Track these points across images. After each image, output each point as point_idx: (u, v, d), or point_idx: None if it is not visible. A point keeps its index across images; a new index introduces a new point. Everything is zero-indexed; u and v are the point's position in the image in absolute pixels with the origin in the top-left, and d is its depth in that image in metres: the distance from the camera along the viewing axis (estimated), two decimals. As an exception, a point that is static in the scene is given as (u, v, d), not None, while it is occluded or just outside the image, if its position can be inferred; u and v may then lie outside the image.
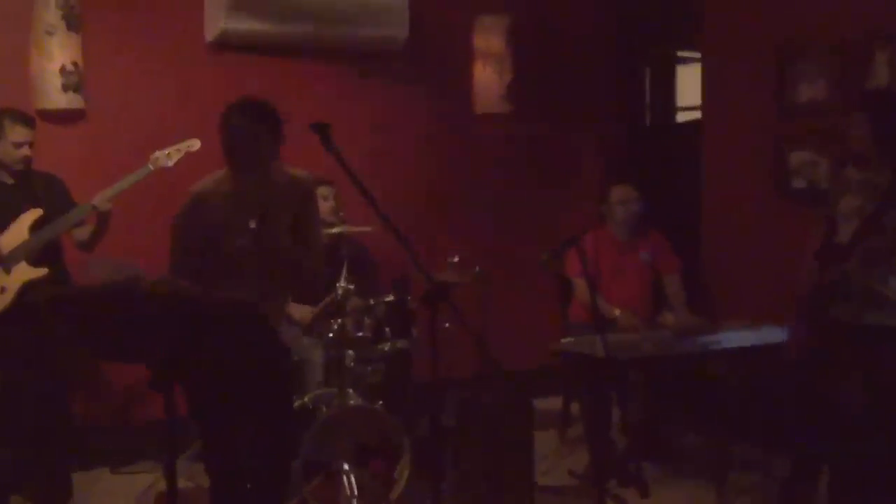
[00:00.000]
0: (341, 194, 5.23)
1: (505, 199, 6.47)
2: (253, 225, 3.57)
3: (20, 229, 4.49)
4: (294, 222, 3.67)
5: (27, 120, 4.57)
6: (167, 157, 4.55)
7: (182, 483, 3.61)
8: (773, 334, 4.53)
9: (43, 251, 4.50)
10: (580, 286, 5.19)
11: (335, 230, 4.85)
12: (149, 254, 3.86)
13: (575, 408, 5.41)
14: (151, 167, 4.55)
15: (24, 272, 4.45)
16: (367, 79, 6.03)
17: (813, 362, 4.04)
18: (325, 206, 5.18)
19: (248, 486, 3.59)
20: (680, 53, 7.05)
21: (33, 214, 4.53)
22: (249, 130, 3.50)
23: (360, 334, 4.75)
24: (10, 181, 4.55)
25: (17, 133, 4.49)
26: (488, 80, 6.35)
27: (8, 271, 4.44)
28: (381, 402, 4.54)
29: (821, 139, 5.21)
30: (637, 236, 5.35)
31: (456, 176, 6.34)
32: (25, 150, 4.53)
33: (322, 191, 5.25)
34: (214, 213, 3.61)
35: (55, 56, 5.10)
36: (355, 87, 5.99)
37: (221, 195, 3.63)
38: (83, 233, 4.65)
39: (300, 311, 4.90)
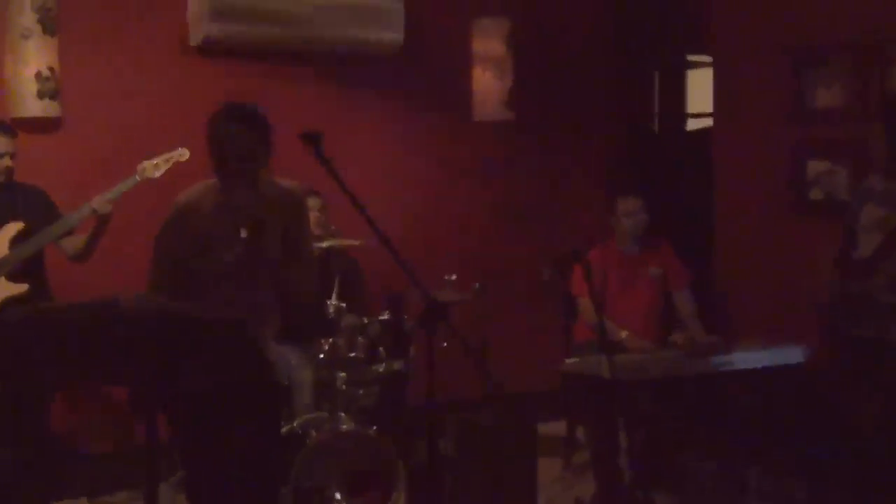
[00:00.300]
0: (329, 206, 5.23)
1: (506, 211, 6.47)
2: (244, 234, 3.57)
3: (0, 243, 4.49)
4: (284, 235, 3.67)
5: (8, 130, 4.56)
6: (154, 167, 4.55)
7: (164, 513, 3.58)
8: (790, 354, 4.52)
9: (24, 266, 4.49)
10: (585, 305, 5.18)
11: (325, 244, 4.84)
12: (135, 270, 3.86)
13: (580, 433, 5.39)
14: (138, 178, 4.55)
15: (4, 288, 4.44)
16: (360, 85, 6.03)
17: (833, 381, 4.03)
18: (312, 217, 5.17)
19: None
20: (690, 58, 7.07)
21: (14, 228, 4.52)
22: (241, 136, 3.50)
23: (353, 354, 4.73)
24: None
25: None
26: (488, 87, 6.35)
27: (-14, 287, 4.44)
28: (374, 427, 4.52)
29: (839, 147, 5.22)
30: (646, 250, 5.35)
31: (454, 187, 6.34)
32: (7, 161, 4.52)
33: (309, 202, 5.24)
34: (201, 224, 3.60)
35: (30, 61, 5.09)
36: (348, 94, 6.00)
37: (209, 206, 3.63)
38: (75, 243, 4.62)
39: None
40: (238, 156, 3.51)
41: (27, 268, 4.50)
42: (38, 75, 5.10)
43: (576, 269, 4.62)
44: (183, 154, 4.55)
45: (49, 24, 5.13)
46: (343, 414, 4.55)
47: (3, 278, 4.45)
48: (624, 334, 5.08)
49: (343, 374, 4.65)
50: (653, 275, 5.33)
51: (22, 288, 4.46)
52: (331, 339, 4.60)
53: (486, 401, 4.88)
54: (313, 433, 4.46)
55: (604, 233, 5.45)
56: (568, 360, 4.74)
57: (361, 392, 4.78)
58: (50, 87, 5.13)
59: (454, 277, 4.96)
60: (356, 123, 6.00)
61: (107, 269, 4.91)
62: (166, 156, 4.57)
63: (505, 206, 6.48)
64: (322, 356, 4.64)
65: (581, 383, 4.59)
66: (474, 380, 4.70)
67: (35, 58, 5.09)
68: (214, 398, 3.26)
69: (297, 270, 3.69)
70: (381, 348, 4.85)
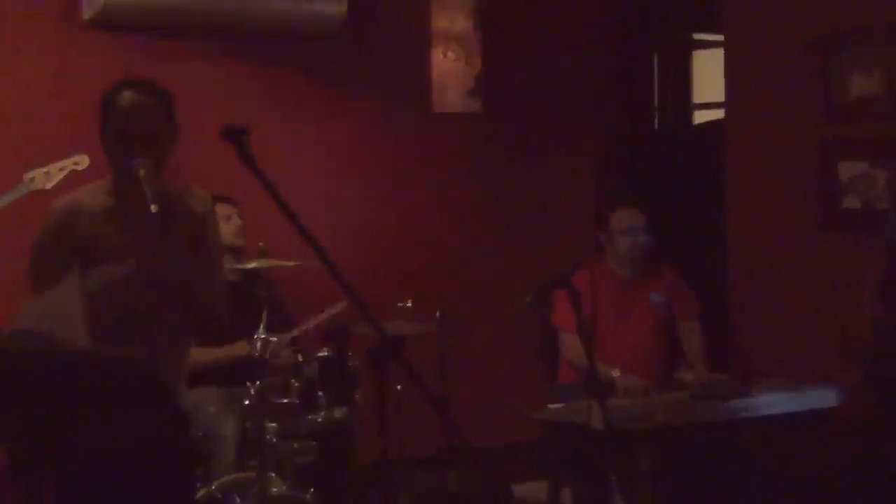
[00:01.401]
0: (251, 220, 5.23)
1: (473, 224, 6.46)
2: (143, 243, 3.53)
3: None
4: (193, 247, 3.65)
5: None
6: (46, 177, 4.52)
7: None
8: (820, 397, 4.54)
9: None
10: (569, 341, 5.17)
11: (251, 264, 4.81)
12: (20, 300, 3.81)
13: (566, 495, 5.38)
14: (25, 190, 4.51)
15: None
16: (293, 69, 6.02)
17: (873, 430, 4.05)
18: (227, 227, 5.16)
19: None
20: (696, 36, 7.12)
21: None
22: (144, 111, 3.50)
23: (286, 401, 4.70)
24: None
25: None
26: (450, 71, 6.37)
27: None
28: (312, 490, 4.49)
29: (878, 145, 5.26)
30: (645, 273, 5.36)
31: (409, 194, 6.33)
32: None
33: (222, 209, 5.22)
34: (87, 233, 3.57)
35: None
36: (278, 79, 5.98)
37: (97, 210, 3.59)
38: None
39: (235, 348, 4.90)
40: (141, 135, 3.50)
41: None
42: None
43: (558, 295, 4.61)
44: (81, 161, 4.52)
45: None
46: (273, 474, 4.51)
47: None
48: (616, 373, 5.08)
49: (274, 425, 4.61)
50: (653, 302, 5.34)
51: None
52: (258, 382, 4.57)
53: (451, 457, 4.87)
54: (237, 499, 4.42)
55: (593, 251, 5.46)
56: (550, 406, 4.73)
57: (296, 446, 4.74)
58: None
59: (409, 304, 4.95)
60: (288, 115, 5.98)
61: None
62: (61, 163, 4.53)
63: (472, 217, 6.48)
64: (248, 402, 4.60)
65: (566, 434, 4.59)
66: (435, 431, 4.68)
67: None
68: (113, 459, 3.22)
69: (211, 291, 3.66)
70: (320, 392, 4.82)
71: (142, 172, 3.42)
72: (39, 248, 3.63)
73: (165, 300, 3.61)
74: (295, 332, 4.89)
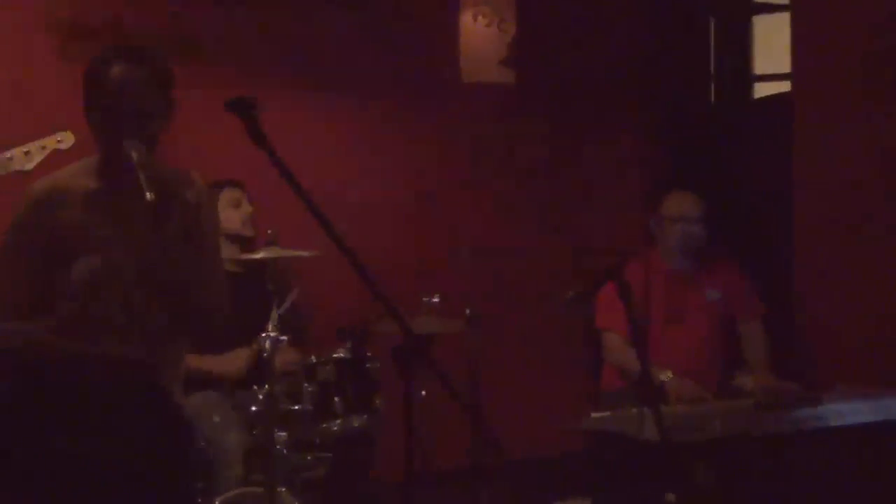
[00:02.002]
0: (261, 205, 5.26)
1: (507, 209, 6.45)
2: (133, 230, 3.52)
3: None
4: (187, 235, 3.64)
5: None
6: (26, 156, 4.53)
7: None
8: (901, 406, 4.52)
9: None
10: (613, 341, 5.20)
11: (260, 254, 4.82)
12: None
13: (612, 514, 5.39)
14: (3, 171, 4.52)
15: None
16: (304, 36, 6.02)
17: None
18: (235, 215, 5.21)
19: None
20: (758, -1, 7.10)
21: None
22: (137, 83, 3.49)
23: (298, 407, 4.73)
24: None
25: None
26: (481, 38, 6.35)
27: None
28: (327, 508, 4.51)
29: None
30: (701, 267, 5.36)
31: (435, 175, 6.33)
32: None
33: (230, 194, 5.23)
34: (69, 220, 3.56)
35: None
36: (289, 48, 5.99)
37: (80, 194, 3.59)
38: None
39: (226, 362, 4.90)
40: (133, 113, 3.49)
41: None
42: None
43: (605, 290, 4.59)
44: (64, 139, 4.53)
45: None
46: (283, 489, 4.51)
47: None
48: (668, 377, 5.07)
49: (284, 435, 4.62)
50: (709, 299, 5.34)
51: None
52: (267, 386, 4.57)
53: (483, 472, 4.87)
54: (243, 517, 4.45)
55: (641, 241, 5.44)
56: (594, 415, 4.72)
57: (309, 458, 4.77)
58: None
59: (436, 299, 4.95)
60: (301, 86, 5.99)
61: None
62: (43, 141, 4.54)
63: (505, 202, 6.46)
64: (255, 409, 4.61)
65: (612, 446, 4.59)
66: (466, 442, 4.68)
67: None
68: (105, 471, 3.22)
69: (207, 287, 3.66)
70: (336, 398, 4.84)
71: (134, 156, 3.41)
72: (13, 233, 3.62)
73: (157, 297, 3.61)
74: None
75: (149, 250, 3.56)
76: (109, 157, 3.57)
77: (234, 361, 4.96)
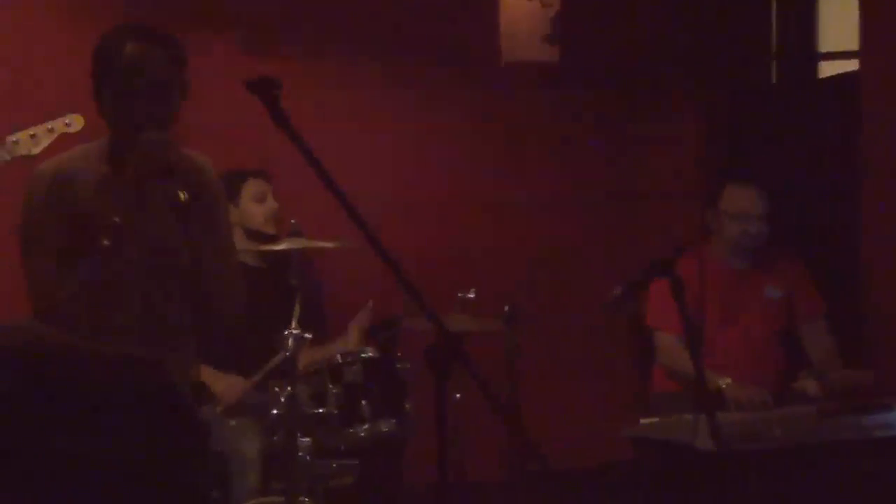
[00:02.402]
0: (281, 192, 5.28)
1: (549, 198, 6.44)
2: (148, 220, 3.54)
3: None
4: (199, 229, 3.65)
5: None
6: (33, 140, 4.55)
7: None
8: None
9: None
10: (666, 342, 5.20)
11: (282, 245, 4.83)
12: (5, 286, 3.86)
13: (662, 529, 5.38)
14: (8, 156, 4.55)
15: None
16: (329, 12, 6.02)
17: None
18: (258, 210, 5.24)
19: None
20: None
21: None
22: (153, 63, 3.50)
23: (322, 410, 4.73)
24: None
25: None
26: (522, 13, 6.33)
27: None
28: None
29: None
30: (761, 262, 5.35)
31: (472, 160, 6.33)
32: None
33: (254, 186, 5.24)
34: (79, 207, 3.58)
35: None
36: (312, 25, 6.00)
37: (91, 179, 3.61)
38: None
39: (224, 383, 4.91)
40: (150, 93, 3.50)
41: None
42: None
43: (656, 287, 4.58)
44: (73, 123, 4.55)
45: None
46: (307, 499, 4.52)
47: None
48: (726, 381, 5.06)
49: (307, 440, 4.63)
50: (769, 297, 5.34)
51: None
52: (289, 388, 4.58)
53: (523, 482, 4.87)
54: (262, 529, 4.47)
55: (696, 234, 5.43)
56: (643, 421, 4.73)
57: (334, 466, 4.78)
58: None
59: (472, 295, 4.95)
60: (324, 69, 6.00)
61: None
62: (50, 123, 4.57)
63: (547, 190, 6.46)
64: (275, 412, 4.62)
65: (663, 455, 4.60)
66: (504, 450, 4.67)
67: None
68: (112, 478, 3.23)
69: (222, 282, 3.67)
70: (363, 401, 4.84)
71: (163, 151, 3.42)
72: (32, 217, 3.63)
73: (176, 291, 3.63)
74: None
75: (168, 242, 3.58)
76: (121, 142, 3.57)
77: (232, 388, 4.97)
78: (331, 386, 4.78)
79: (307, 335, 4.62)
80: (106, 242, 3.54)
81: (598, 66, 6.50)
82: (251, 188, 5.28)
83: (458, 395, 4.03)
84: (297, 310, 4.65)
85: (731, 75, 6.83)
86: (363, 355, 4.89)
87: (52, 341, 2.90)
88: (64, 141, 4.51)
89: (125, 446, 2.92)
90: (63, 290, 3.53)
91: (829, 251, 5.86)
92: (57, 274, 3.55)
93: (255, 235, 5.25)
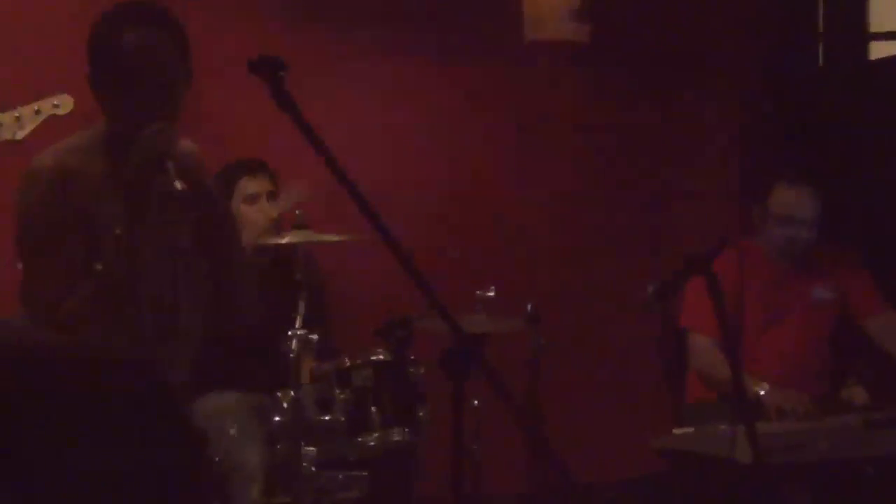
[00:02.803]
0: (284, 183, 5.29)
1: (576, 189, 6.44)
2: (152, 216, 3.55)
3: None
4: (203, 226, 3.67)
5: None
6: (17, 122, 4.56)
7: None
8: None
9: None
10: (701, 345, 5.20)
11: (286, 238, 4.83)
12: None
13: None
14: None
15: None
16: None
17: None
18: (252, 216, 5.19)
19: None
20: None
21: None
22: (155, 47, 3.49)
23: (328, 418, 4.74)
24: None
25: None
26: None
27: None
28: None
29: None
30: (810, 262, 5.35)
31: (492, 148, 6.33)
32: None
33: (256, 184, 5.20)
34: (82, 206, 3.58)
35: None
36: (316, 3, 6.01)
37: (95, 177, 3.61)
38: None
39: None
40: (154, 84, 3.49)
41: None
42: None
43: (691, 286, 4.58)
44: (63, 103, 4.56)
45: None
46: (312, 513, 4.54)
47: None
48: (765, 388, 5.05)
49: (312, 450, 4.64)
50: (816, 298, 5.33)
51: None
52: (292, 393, 4.58)
53: (546, 496, 4.87)
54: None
55: (737, 230, 5.42)
56: (676, 432, 4.74)
57: (341, 477, 4.78)
58: None
59: (492, 293, 4.95)
60: (332, 49, 6.01)
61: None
62: (37, 104, 4.57)
63: (574, 180, 6.46)
64: (278, 419, 4.63)
65: (698, 468, 4.59)
66: (526, 462, 4.67)
67: None
68: (101, 489, 3.24)
69: (233, 280, 3.68)
70: (373, 408, 4.84)
71: (162, 144, 3.42)
72: (30, 219, 3.63)
73: (188, 293, 3.64)
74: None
75: (176, 241, 3.59)
76: (120, 134, 3.57)
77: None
78: (338, 391, 4.78)
79: (312, 336, 4.63)
80: (108, 259, 3.56)
81: (630, 45, 6.49)
82: (243, 187, 5.21)
83: (475, 402, 4.03)
84: (301, 308, 4.66)
85: (775, 57, 6.82)
86: (373, 358, 4.88)
87: (36, 339, 2.91)
88: (52, 123, 4.52)
89: (110, 453, 2.92)
90: (71, 297, 3.54)
91: (883, 246, 5.85)
92: (63, 278, 3.55)
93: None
